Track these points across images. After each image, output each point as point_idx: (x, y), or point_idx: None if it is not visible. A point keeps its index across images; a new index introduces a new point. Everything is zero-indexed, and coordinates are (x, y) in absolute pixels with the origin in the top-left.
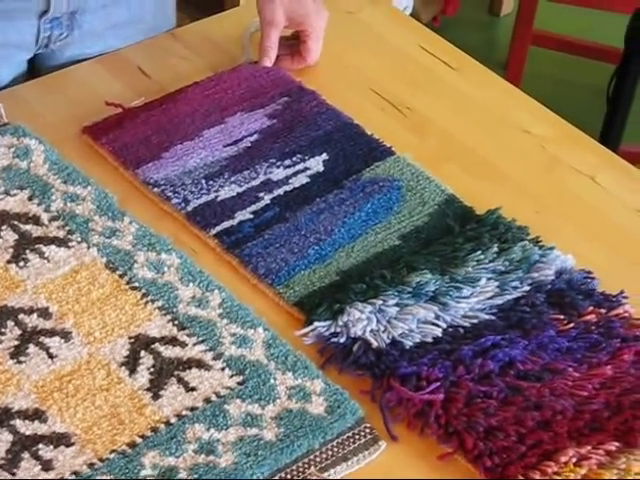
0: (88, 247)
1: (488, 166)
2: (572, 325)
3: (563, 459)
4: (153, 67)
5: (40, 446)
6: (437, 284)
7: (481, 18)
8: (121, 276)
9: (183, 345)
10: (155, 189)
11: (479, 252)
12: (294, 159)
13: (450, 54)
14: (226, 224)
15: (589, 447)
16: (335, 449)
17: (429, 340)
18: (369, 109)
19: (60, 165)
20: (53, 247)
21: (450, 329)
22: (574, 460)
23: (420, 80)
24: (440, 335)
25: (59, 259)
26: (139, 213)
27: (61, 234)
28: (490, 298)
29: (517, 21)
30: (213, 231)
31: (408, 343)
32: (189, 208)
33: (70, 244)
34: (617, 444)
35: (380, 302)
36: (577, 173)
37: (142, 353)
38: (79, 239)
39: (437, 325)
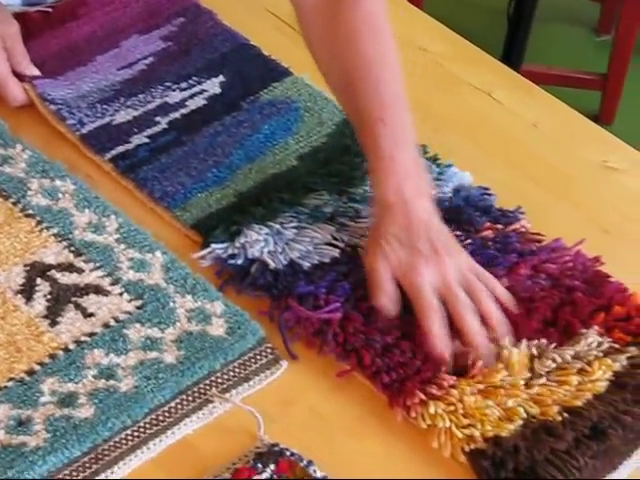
0: None
1: None
2: (469, 241)
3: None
4: None
5: None
6: (335, 205)
7: None
8: (14, 204)
9: (80, 271)
10: (52, 106)
11: None
12: (190, 81)
13: None
14: (121, 148)
15: None
16: (237, 370)
17: (327, 261)
18: (265, 30)
19: None
20: None
21: (348, 248)
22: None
23: None
24: (338, 256)
25: None
26: (32, 135)
27: None
28: None
29: None
30: (108, 155)
31: (306, 264)
32: (84, 130)
33: None
34: None
35: (278, 225)
36: (475, 90)
37: (38, 280)
38: None
39: (335, 246)
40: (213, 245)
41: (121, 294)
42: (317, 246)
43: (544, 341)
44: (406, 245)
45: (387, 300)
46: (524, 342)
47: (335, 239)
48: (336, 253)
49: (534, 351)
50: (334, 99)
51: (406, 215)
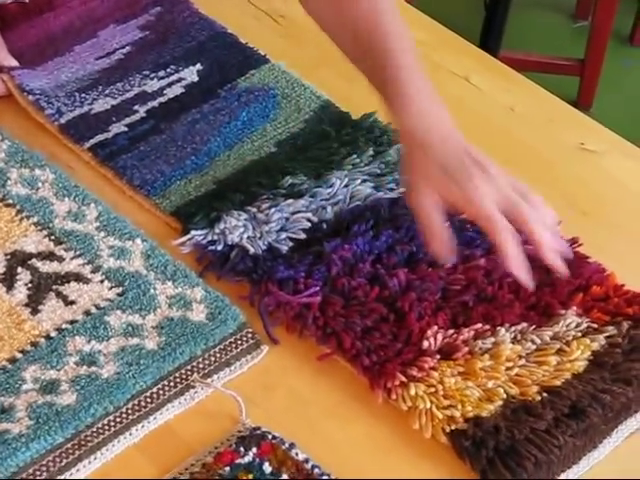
0: None
1: None
2: (448, 223)
3: (439, 355)
4: None
5: None
6: (311, 184)
7: None
8: None
9: (60, 259)
10: (30, 97)
11: (354, 156)
12: (168, 70)
13: None
14: (100, 137)
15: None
16: (218, 355)
17: (301, 237)
18: (243, 18)
19: None
20: None
21: (322, 223)
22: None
23: None
24: (310, 226)
25: None
26: (11, 125)
27: None
28: (365, 199)
29: None
30: (87, 144)
31: (284, 248)
32: (62, 120)
33: None
34: (483, 326)
35: (255, 209)
36: (452, 75)
37: (19, 269)
38: None
39: (307, 219)
40: (193, 232)
41: (102, 281)
42: (290, 219)
43: (525, 324)
44: (450, 173)
45: (440, 245)
46: (506, 328)
47: (307, 211)
48: (307, 224)
49: (516, 336)
50: (311, 86)
51: (440, 143)
